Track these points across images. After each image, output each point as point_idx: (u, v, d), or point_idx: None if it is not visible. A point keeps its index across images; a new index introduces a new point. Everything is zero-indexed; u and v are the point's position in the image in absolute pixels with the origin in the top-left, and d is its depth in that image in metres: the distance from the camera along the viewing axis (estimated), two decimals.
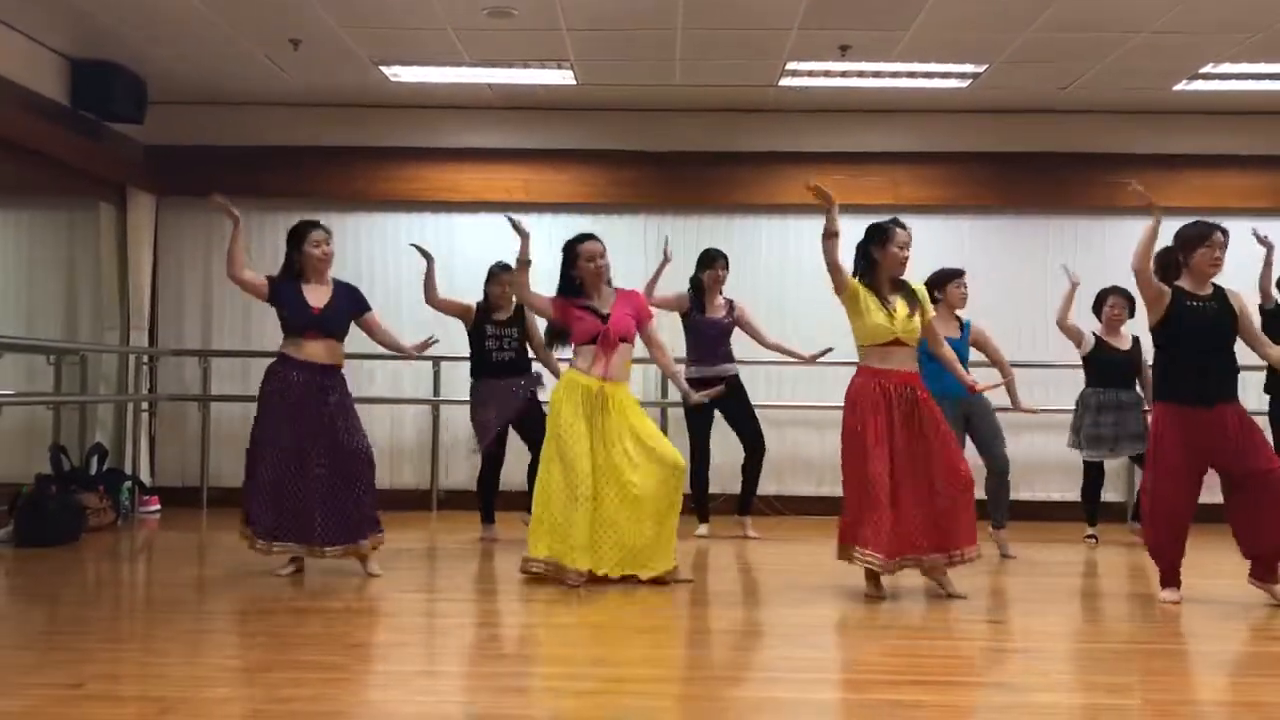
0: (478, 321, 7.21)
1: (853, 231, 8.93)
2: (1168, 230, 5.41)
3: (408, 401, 9.08)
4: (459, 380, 8.87)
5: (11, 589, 5.98)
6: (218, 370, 9.07)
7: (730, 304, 7.63)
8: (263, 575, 5.86)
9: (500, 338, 7.15)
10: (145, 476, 8.73)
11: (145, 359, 8.94)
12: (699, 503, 7.58)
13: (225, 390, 9.06)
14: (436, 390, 9.00)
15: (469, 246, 9.00)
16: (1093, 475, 7.62)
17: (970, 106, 8.83)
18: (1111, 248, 9.03)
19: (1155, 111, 8.89)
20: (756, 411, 7.65)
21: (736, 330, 7.62)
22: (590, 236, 5.97)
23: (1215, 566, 6.02)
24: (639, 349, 6.00)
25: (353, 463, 5.77)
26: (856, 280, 5.42)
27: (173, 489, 8.90)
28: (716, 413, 7.44)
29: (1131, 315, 7.29)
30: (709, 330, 7.51)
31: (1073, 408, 7.56)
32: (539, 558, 5.73)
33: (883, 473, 5.23)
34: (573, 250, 5.91)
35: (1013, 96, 8.61)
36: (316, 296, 5.85)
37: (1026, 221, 9.04)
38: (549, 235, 8.94)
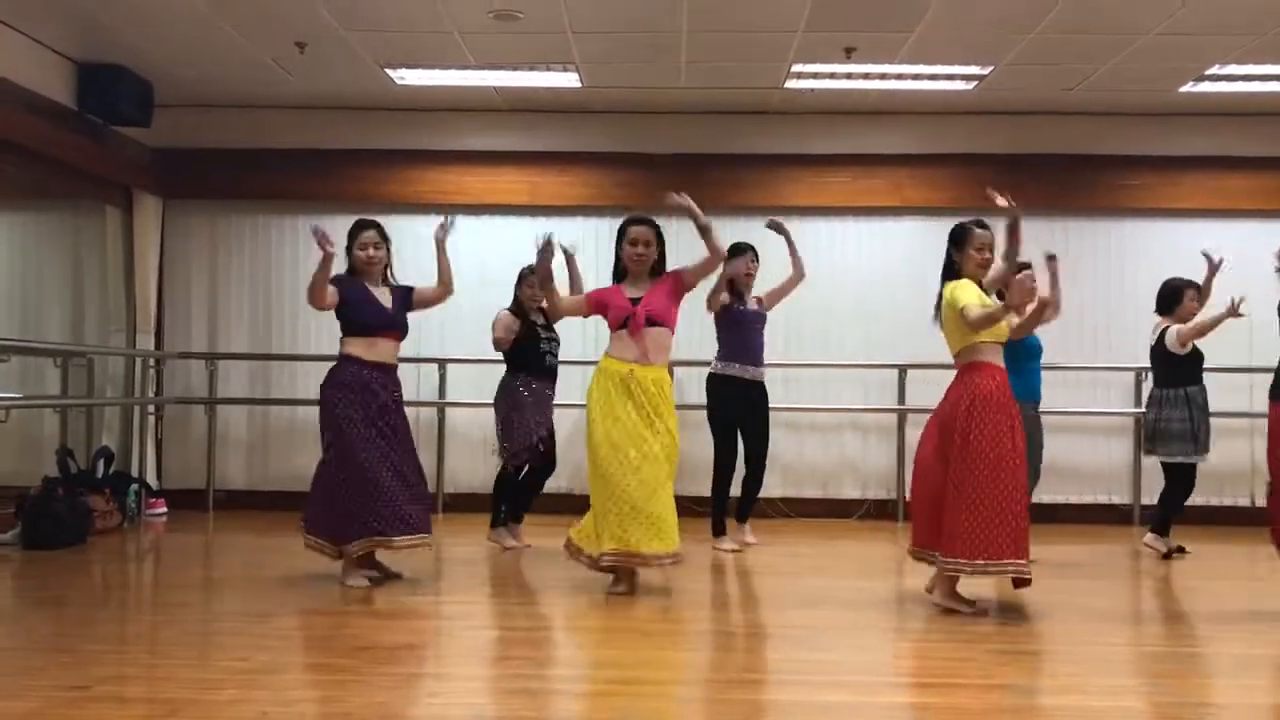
0: (530, 324, 7.00)
1: (856, 231, 9.08)
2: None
3: (414, 404, 9.06)
4: (463, 382, 8.92)
5: (19, 591, 5.99)
6: (224, 373, 9.09)
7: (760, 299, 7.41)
8: (269, 578, 5.86)
9: (552, 340, 7.06)
10: (152, 479, 8.74)
11: (151, 362, 8.96)
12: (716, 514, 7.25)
13: (232, 393, 9.08)
14: (442, 393, 9.01)
15: (474, 249, 9.00)
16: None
17: (975, 108, 8.83)
18: (1117, 249, 9.05)
19: (1161, 113, 8.86)
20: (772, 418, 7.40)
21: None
22: (641, 221, 5.78)
23: (1220, 568, 6.01)
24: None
25: (415, 459, 5.86)
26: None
27: (179, 492, 8.90)
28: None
29: None
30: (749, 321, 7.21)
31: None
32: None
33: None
34: (623, 231, 5.78)
35: (1018, 98, 8.60)
36: (384, 297, 5.82)
37: (1032, 224, 8.91)
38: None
